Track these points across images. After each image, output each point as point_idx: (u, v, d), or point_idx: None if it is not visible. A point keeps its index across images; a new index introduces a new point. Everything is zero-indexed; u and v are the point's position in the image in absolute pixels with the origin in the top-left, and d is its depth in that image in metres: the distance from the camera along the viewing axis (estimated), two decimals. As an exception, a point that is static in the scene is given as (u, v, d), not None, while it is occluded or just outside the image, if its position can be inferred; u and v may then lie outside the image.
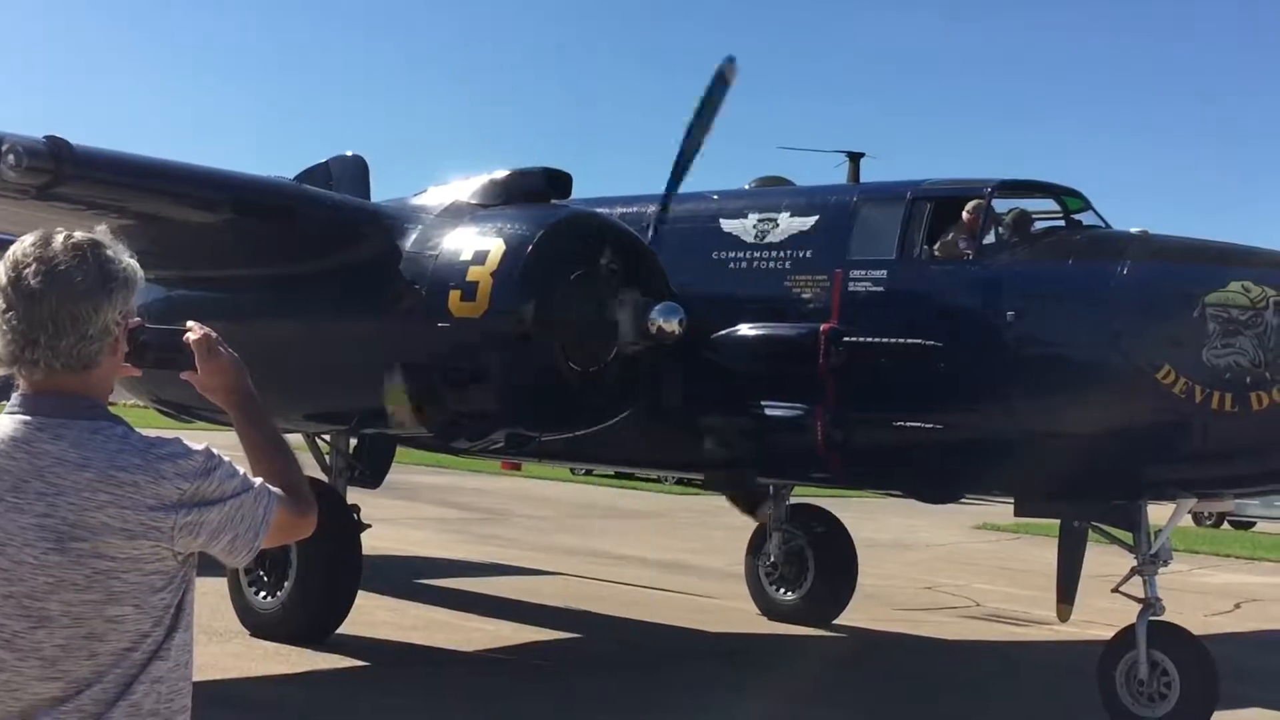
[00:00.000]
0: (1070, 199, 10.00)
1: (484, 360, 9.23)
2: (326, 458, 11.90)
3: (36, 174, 8.54)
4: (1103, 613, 11.70)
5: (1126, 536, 9.33)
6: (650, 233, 9.90)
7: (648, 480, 31.96)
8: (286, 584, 10.56)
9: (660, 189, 10.19)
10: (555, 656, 11.03)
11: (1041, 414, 9.18)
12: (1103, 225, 9.88)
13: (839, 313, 9.90)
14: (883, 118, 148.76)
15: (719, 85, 10.01)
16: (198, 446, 2.63)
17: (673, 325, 9.32)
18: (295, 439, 13.26)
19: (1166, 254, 9.09)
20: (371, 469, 11.99)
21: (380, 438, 11.64)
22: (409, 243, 9.82)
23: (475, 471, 33.22)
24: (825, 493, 15.52)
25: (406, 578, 14.64)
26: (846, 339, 9.72)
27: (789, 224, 10.41)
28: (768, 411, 10.08)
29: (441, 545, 18.37)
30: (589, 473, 32.52)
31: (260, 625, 10.67)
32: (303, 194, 10.92)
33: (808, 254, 10.20)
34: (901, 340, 9.58)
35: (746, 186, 11.78)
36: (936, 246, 9.87)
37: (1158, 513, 9.42)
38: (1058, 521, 9.85)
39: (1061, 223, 9.94)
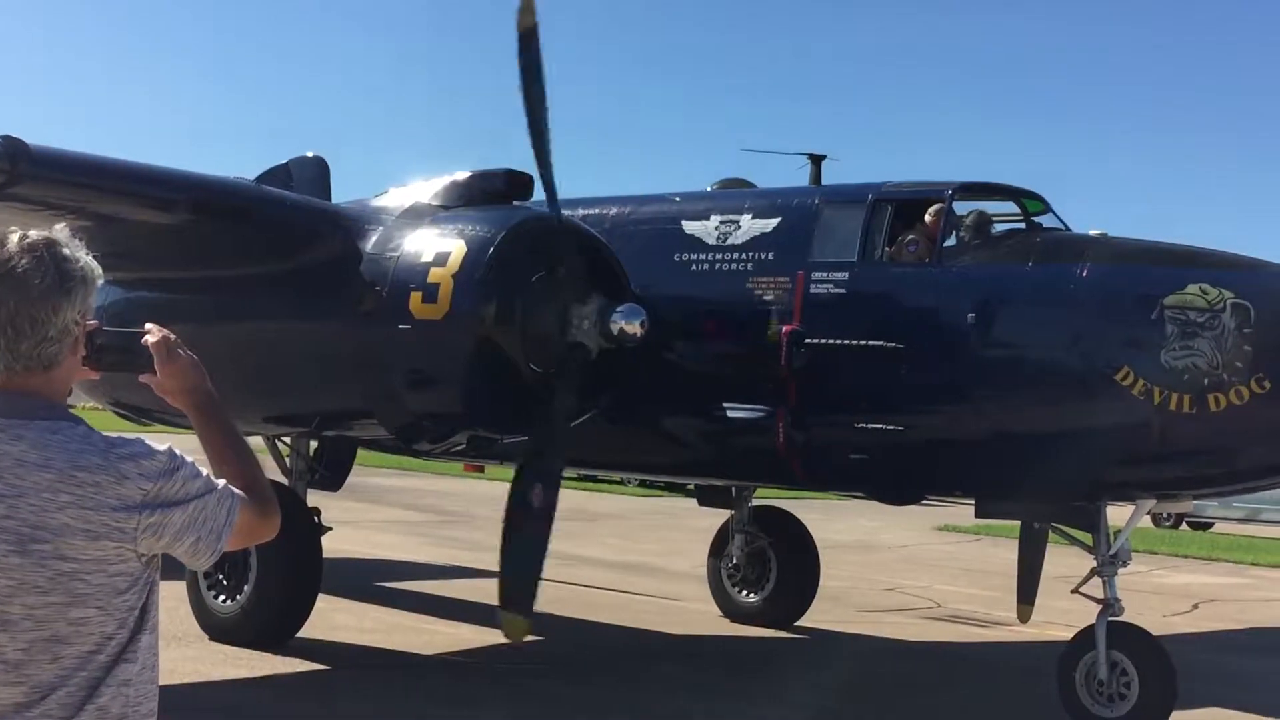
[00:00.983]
0: (1030, 201, 10.05)
1: (445, 362, 9.20)
2: (287, 460, 11.83)
3: (-7, 174, 8.46)
4: (1063, 613, 11.78)
5: (1086, 537, 9.38)
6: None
7: (611, 482, 31.93)
8: (246, 587, 10.49)
9: (628, 190, 10.16)
10: (516, 659, 11.01)
11: (1001, 416, 9.23)
12: (1062, 228, 9.94)
13: (801, 315, 9.92)
14: (845, 119, 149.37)
15: (527, 46, 9.17)
16: (161, 447, 2.61)
17: (635, 327, 9.32)
18: (256, 441, 13.20)
19: (1125, 256, 9.16)
20: (332, 472, 11.93)
21: (341, 440, 11.59)
22: (369, 244, 9.77)
23: (438, 474, 33.11)
24: (788, 495, 15.57)
25: (367, 580, 14.58)
26: (808, 341, 9.75)
27: (751, 226, 10.42)
28: (729, 413, 10.10)
29: (403, 548, 18.31)
30: (551, 475, 32.40)
31: (219, 629, 10.60)
32: (261, 195, 10.86)
33: (770, 256, 10.21)
34: (863, 342, 9.61)
35: (708, 189, 11.79)
36: (897, 249, 9.91)
37: (1117, 514, 9.48)
38: (1018, 523, 9.90)
39: (1022, 225, 10.00)
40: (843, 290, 9.86)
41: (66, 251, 2.62)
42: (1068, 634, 9.66)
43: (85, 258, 2.65)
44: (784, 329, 9.81)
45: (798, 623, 13.30)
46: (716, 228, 10.62)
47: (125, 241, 10.39)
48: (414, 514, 23.99)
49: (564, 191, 9.51)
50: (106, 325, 2.79)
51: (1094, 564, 9.26)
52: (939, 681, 11.21)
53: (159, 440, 2.65)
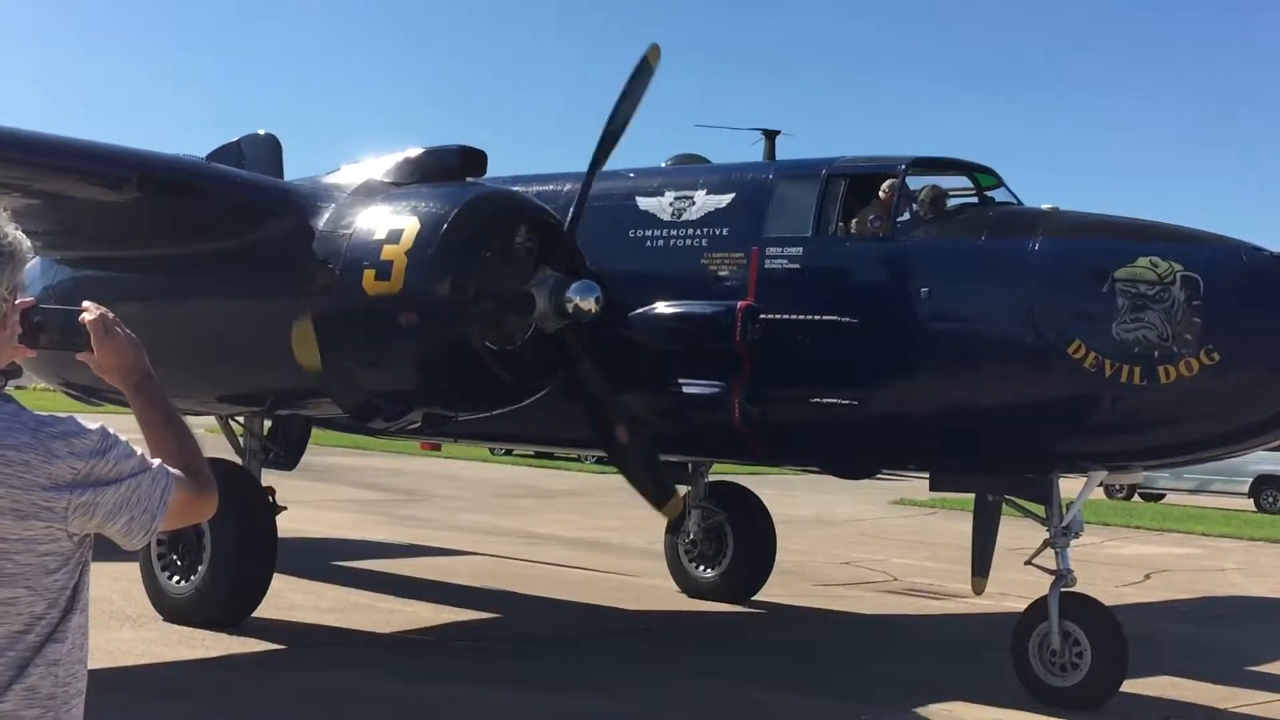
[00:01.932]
0: (983, 175, 10.10)
1: (399, 340, 9.15)
2: (241, 440, 11.76)
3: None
4: (1018, 585, 11.87)
5: (1039, 509, 9.45)
6: (569, 219, 9.76)
7: (568, 459, 31.91)
8: (200, 568, 10.41)
9: (576, 167, 10.14)
10: (473, 636, 11.00)
11: (954, 389, 9.29)
12: (1015, 202, 9.99)
13: (755, 290, 9.93)
14: (800, 94, 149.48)
15: (643, 71, 9.88)
16: (92, 425, 2.57)
17: (589, 303, 9.30)
18: (209, 421, 13.13)
19: (1077, 230, 9.22)
20: (286, 451, 11.83)
21: (295, 419, 11.52)
22: (322, 222, 9.70)
23: (394, 453, 33.02)
24: (745, 470, 15.60)
25: (324, 560, 14.52)
26: (763, 316, 9.76)
27: (705, 202, 10.42)
28: (684, 389, 10.11)
29: (360, 527, 18.24)
30: (509, 452, 32.42)
31: (174, 610, 10.52)
32: (211, 172, 10.76)
33: (724, 231, 10.22)
34: (817, 317, 9.64)
35: (663, 165, 11.77)
36: (860, 222, 9.94)
37: (1070, 486, 9.56)
38: (973, 496, 9.96)
39: (975, 199, 10.04)
40: (797, 265, 9.89)
41: (-8, 227, 2.57)
42: (1022, 605, 9.74)
43: (14, 233, 2.60)
44: (739, 304, 9.83)
45: (754, 597, 13.34)
46: (671, 204, 10.61)
47: (74, 220, 10.29)
48: (371, 493, 23.91)
49: (518, 168, 9.55)
50: (55, 305, 2.75)
51: (1046, 536, 9.34)
52: (894, 653, 11.27)
53: (91, 419, 2.62)
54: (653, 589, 13.81)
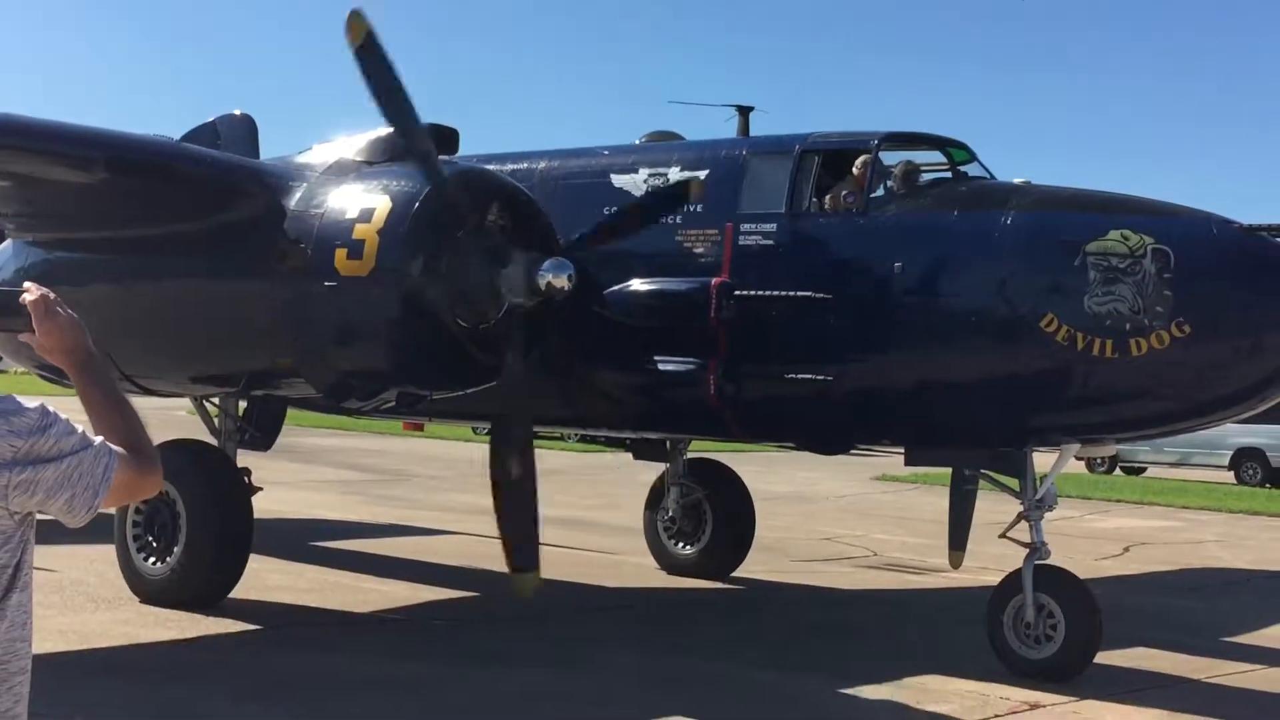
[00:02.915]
0: (956, 150, 10.11)
1: (372, 319, 9.13)
2: (215, 421, 11.73)
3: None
4: (995, 559, 11.90)
5: (1013, 483, 9.48)
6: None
7: (550, 438, 31.76)
8: (176, 549, 10.39)
9: (556, 145, 10.10)
10: (452, 615, 11.01)
11: (928, 364, 9.31)
12: (988, 176, 10.00)
13: (730, 267, 9.93)
14: (774, 70, 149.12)
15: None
16: (32, 404, 2.56)
17: (563, 281, 9.27)
18: (184, 402, 13.10)
19: (1048, 204, 9.24)
20: (262, 431, 11.81)
21: (270, 400, 11.49)
22: (293, 201, 9.65)
23: (377, 433, 32.97)
24: (725, 447, 15.63)
25: (303, 540, 14.51)
26: (738, 293, 9.76)
27: (679, 179, 10.39)
28: (660, 366, 10.12)
29: (340, 507, 18.24)
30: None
31: (150, 592, 10.51)
32: (181, 152, 10.71)
33: (698, 208, 10.20)
34: (791, 293, 9.64)
35: (637, 142, 11.74)
36: (834, 198, 9.94)
37: (1044, 460, 9.59)
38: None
39: (948, 174, 10.05)
40: (771, 241, 9.89)
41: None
42: (999, 579, 9.77)
43: None
44: (713, 281, 9.82)
45: (734, 574, 13.38)
46: (645, 180, 10.60)
47: (45, 202, 10.23)
48: (352, 473, 23.90)
49: (493, 146, 9.50)
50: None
51: (1021, 509, 9.37)
52: (872, 628, 11.32)
53: (32, 398, 2.61)
54: (633, 566, 13.84)
